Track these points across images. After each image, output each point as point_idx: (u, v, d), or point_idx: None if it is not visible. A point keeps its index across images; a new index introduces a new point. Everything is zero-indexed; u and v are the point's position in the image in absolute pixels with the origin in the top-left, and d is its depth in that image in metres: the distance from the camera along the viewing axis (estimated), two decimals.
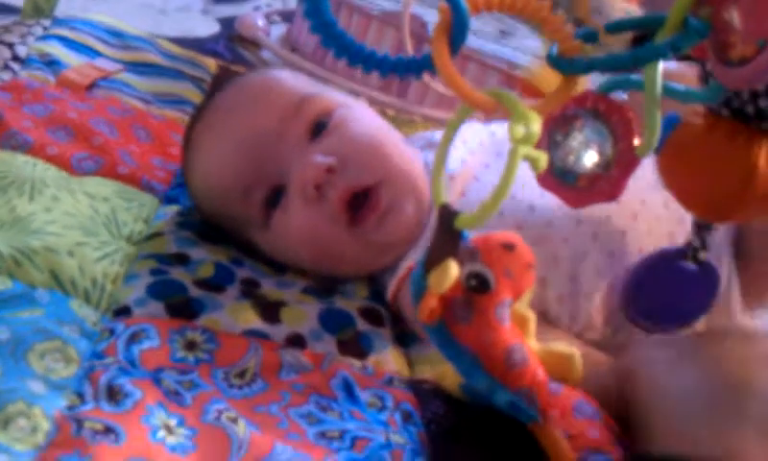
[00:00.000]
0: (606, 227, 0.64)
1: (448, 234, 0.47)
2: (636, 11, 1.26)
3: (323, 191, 0.61)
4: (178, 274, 0.61)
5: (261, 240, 0.66)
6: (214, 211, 0.67)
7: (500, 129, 0.75)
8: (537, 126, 0.44)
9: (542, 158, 0.44)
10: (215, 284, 0.61)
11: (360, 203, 0.62)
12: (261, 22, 1.43)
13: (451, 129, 0.48)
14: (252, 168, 0.63)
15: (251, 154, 0.63)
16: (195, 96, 1.00)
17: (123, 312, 0.56)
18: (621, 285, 0.59)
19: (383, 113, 1.12)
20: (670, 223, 0.64)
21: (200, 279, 0.61)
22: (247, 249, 0.67)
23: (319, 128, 0.64)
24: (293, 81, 0.68)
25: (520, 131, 0.44)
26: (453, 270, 0.46)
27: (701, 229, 0.55)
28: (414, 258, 0.63)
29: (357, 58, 0.46)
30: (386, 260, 0.65)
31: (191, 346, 0.54)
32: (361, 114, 0.67)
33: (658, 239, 0.64)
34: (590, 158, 0.54)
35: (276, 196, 0.63)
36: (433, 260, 0.47)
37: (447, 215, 0.47)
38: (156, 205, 0.73)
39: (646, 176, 0.55)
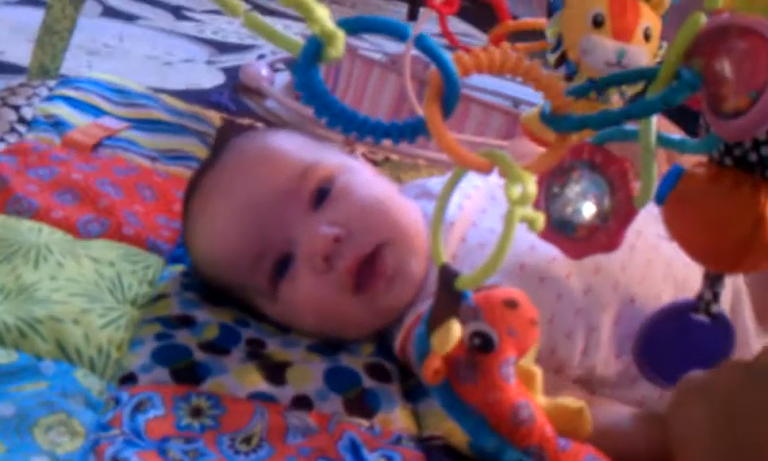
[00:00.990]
0: (606, 260, 0.64)
1: (449, 294, 0.47)
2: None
3: (331, 262, 0.62)
4: (182, 337, 0.61)
5: (268, 309, 0.66)
6: (219, 278, 0.68)
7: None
8: (532, 187, 0.44)
9: (539, 219, 0.44)
10: (220, 347, 0.61)
11: (365, 268, 0.62)
12: (265, 71, 1.45)
13: (448, 189, 0.49)
14: (258, 239, 0.64)
15: (257, 224, 0.64)
16: (200, 151, 1.01)
17: (128, 380, 0.56)
18: (633, 341, 0.58)
19: (387, 158, 1.13)
20: (668, 251, 0.65)
21: (205, 342, 0.61)
22: (251, 310, 0.67)
23: (322, 194, 0.65)
24: (292, 146, 0.68)
25: (516, 192, 0.44)
26: (456, 330, 0.46)
27: (712, 280, 0.55)
28: (420, 308, 0.63)
29: (351, 125, 0.46)
30: (391, 320, 0.65)
31: (196, 412, 0.54)
32: (361, 177, 0.68)
33: (657, 269, 0.65)
34: (588, 210, 0.54)
35: (282, 265, 0.64)
36: (435, 321, 0.47)
37: (448, 275, 0.47)
38: (161, 265, 0.73)
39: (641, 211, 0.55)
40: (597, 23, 0.64)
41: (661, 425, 0.54)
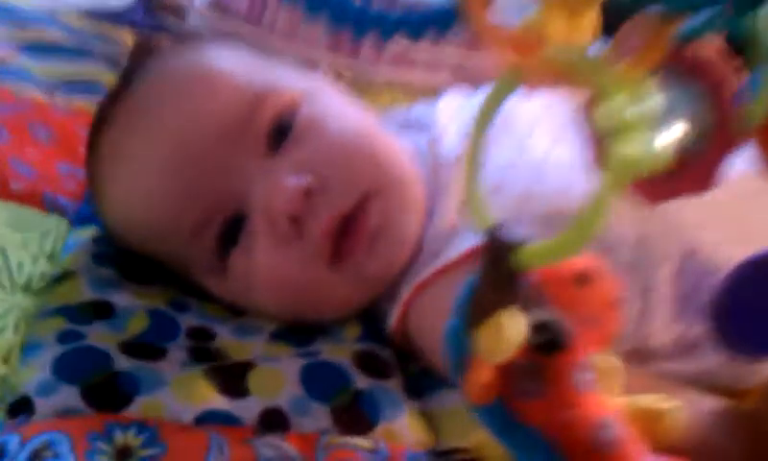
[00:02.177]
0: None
1: (501, 271, 0.31)
2: None
3: (300, 224, 0.45)
4: (97, 335, 0.44)
5: (214, 286, 0.49)
6: (142, 248, 0.50)
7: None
8: (637, 103, 0.28)
9: (649, 158, 0.28)
10: (152, 345, 0.44)
11: (343, 228, 0.46)
12: None
13: (487, 112, 0.32)
14: (196, 199, 0.46)
15: (192, 178, 0.46)
16: (108, 78, 0.81)
17: (21, 409, 0.39)
18: (708, 303, 0.44)
19: (339, 76, 0.95)
20: (734, 187, 0.50)
21: (129, 340, 0.44)
22: (191, 286, 0.50)
23: (281, 131, 0.47)
24: (237, 66, 0.50)
25: (613, 112, 0.28)
26: (515, 326, 0.31)
27: None
28: (422, 275, 0.47)
29: (344, 13, 0.29)
30: (381, 290, 0.49)
31: (124, 454, 0.37)
32: (331, 103, 0.51)
33: (721, 211, 0.50)
34: (674, 133, 0.38)
35: (232, 231, 0.46)
36: (481, 311, 0.32)
37: (500, 244, 0.31)
38: (64, 229, 0.55)
39: None
40: None
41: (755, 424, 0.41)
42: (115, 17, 1.08)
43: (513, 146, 0.53)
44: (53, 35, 0.89)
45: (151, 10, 1.19)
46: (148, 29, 1.06)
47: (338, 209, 0.45)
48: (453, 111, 0.58)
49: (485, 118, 0.32)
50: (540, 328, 0.32)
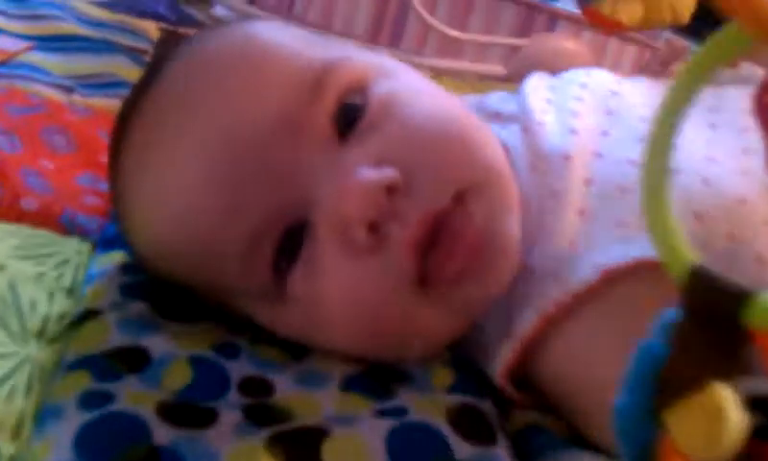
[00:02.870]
0: None
1: (709, 329, 0.22)
2: None
3: (380, 230, 0.35)
4: (129, 396, 0.35)
5: (267, 317, 0.40)
6: (173, 276, 0.41)
7: (589, 77, 0.50)
8: None
9: None
10: (197, 406, 0.35)
11: (434, 236, 0.36)
12: None
13: (679, 100, 0.23)
14: (249, 205, 0.36)
15: (244, 180, 0.36)
16: (132, 74, 0.73)
17: None
18: None
19: None
20: None
21: (170, 401, 0.35)
22: (238, 320, 0.41)
23: (350, 115, 0.38)
24: (291, 39, 0.40)
25: None
26: (737, 412, 0.21)
27: None
28: (538, 302, 0.37)
29: None
30: (479, 318, 0.40)
31: None
32: (407, 79, 0.41)
33: None
34: None
35: (293, 242, 0.37)
36: (676, 384, 0.22)
37: (712, 294, 0.21)
38: (86, 255, 0.46)
39: None
40: None
41: None
42: (135, 7, 1.00)
43: (625, 138, 0.43)
44: (69, 26, 0.80)
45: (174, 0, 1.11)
46: (171, 20, 0.98)
47: (429, 208, 0.35)
48: (546, 98, 0.48)
49: (676, 105, 0.22)
50: (758, 405, 0.23)
